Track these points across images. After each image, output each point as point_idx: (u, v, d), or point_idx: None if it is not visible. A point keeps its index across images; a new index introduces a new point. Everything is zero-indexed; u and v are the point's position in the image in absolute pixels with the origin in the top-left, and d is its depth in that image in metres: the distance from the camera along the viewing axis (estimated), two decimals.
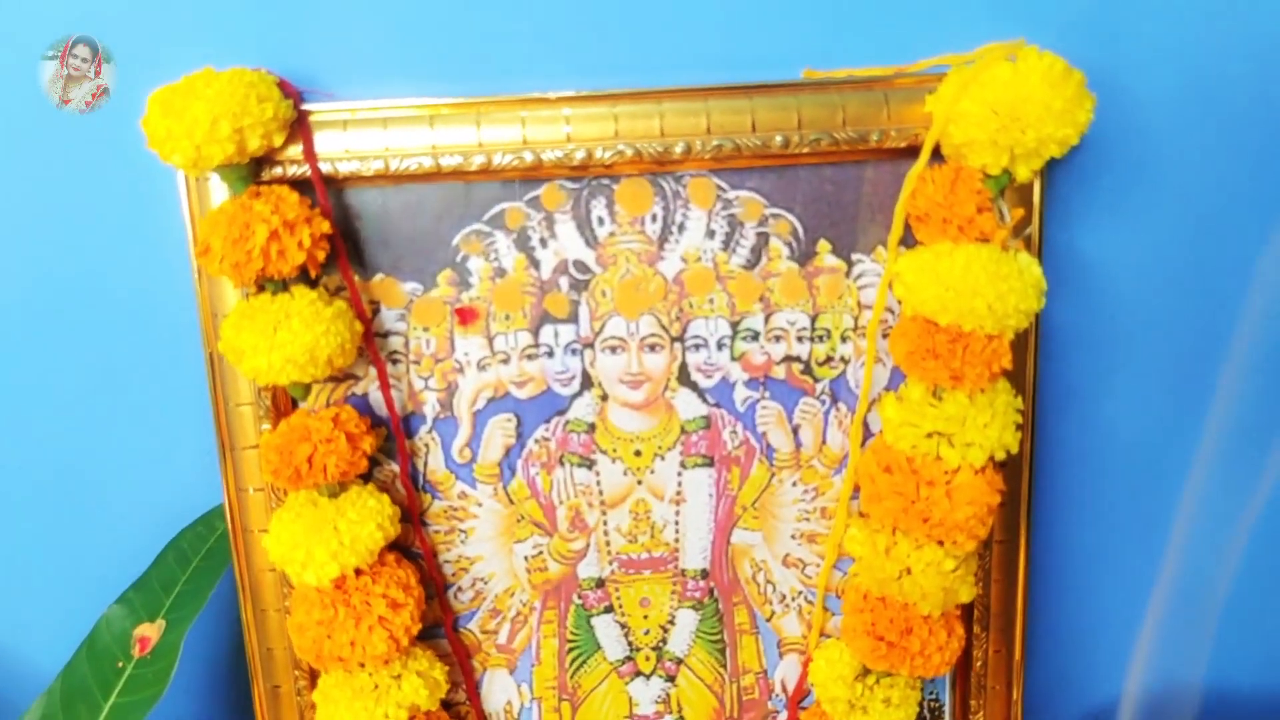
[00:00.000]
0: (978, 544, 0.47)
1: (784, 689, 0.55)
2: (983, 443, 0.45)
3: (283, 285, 0.44)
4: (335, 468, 0.45)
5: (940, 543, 0.47)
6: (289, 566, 0.46)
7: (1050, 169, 0.49)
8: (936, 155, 0.46)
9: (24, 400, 0.53)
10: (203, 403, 0.49)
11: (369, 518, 0.46)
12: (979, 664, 0.53)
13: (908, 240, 0.48)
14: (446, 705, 0.53)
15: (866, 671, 0.50)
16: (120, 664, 0.50)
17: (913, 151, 0.46)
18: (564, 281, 0.49)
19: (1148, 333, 0.55)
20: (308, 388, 0.47)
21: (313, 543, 0.45)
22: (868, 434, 0.51)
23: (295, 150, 0.44)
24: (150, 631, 0.50)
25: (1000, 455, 0.46)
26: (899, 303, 0.48)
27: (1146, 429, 0.57)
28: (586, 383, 0.50)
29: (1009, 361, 0.45)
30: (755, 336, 0.50)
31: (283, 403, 0.48)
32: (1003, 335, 0.45)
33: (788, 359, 0.50)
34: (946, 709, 0.55)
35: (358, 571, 0.46)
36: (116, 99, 0.47)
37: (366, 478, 0.49)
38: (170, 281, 0.49)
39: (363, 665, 0.47)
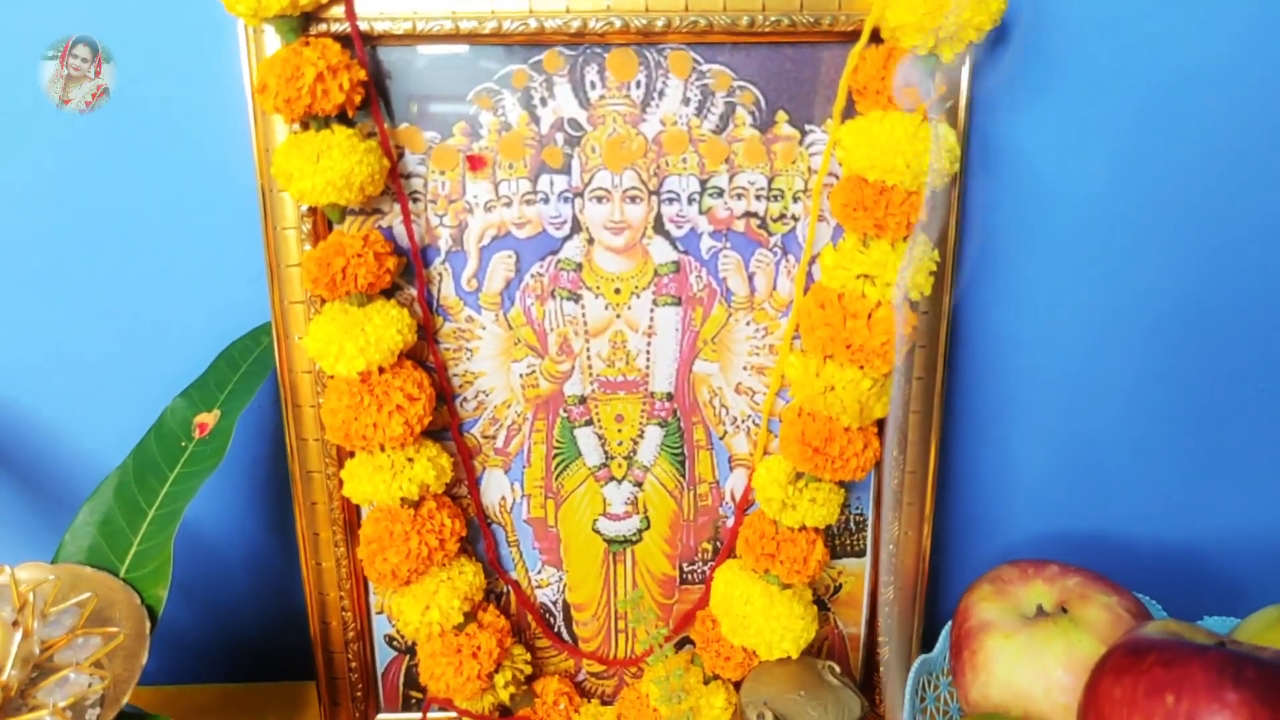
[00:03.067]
0: (891, 369, 0.57)
1: (732, 497, 0.65)
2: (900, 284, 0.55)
3: (325, 123, 0.53)
4: (364, 278, 0.54)
5: (861, 367, 0.56)
6: (324, 360, 0.55)
7: (978, 59, 0.57)
8: (877, 38, 0.54)
9: (104, 228, 0.62)
10: (253, 231, 0.59)
11: (391, 324, 0.55)
12: (895, 481, 0.63)
13: (852, 114, 0.57)
14: (452, 497, 0.63)
15: (798, 476, 0.60)
16: (183, 443, 0.60)
17: (859, 35, 0.54)
18: (560, 137, 0.57)
19: (1066, 212, 0.63)
20: (343, 212, 0.56)
21: (344, 340, 0.54)
22: (810, 282, 0.60)
23: (338, 10, 0.53)
24: (208, 419, 0.60)
25: (915, 296, 0.56)
26: (841, 167, 0.57)
27: (1063, 296, 0.65)
28: (576, 227, 0.59)
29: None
30: (720, 193, 0.59)
31: (321, 228, 0.57)
32: (920, 192, 0.53)
33: (747, 215, 0.59)
34: (869, 521, 0.66)
35: (380, 369, 0.56)
36: None
37: (389, 297, 0.59)
38: (228, 123, 0.58)
39: (382, 448, 0.58)
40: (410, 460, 0.58)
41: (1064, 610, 0.60)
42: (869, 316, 0.55)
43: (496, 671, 0.63)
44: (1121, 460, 0.71)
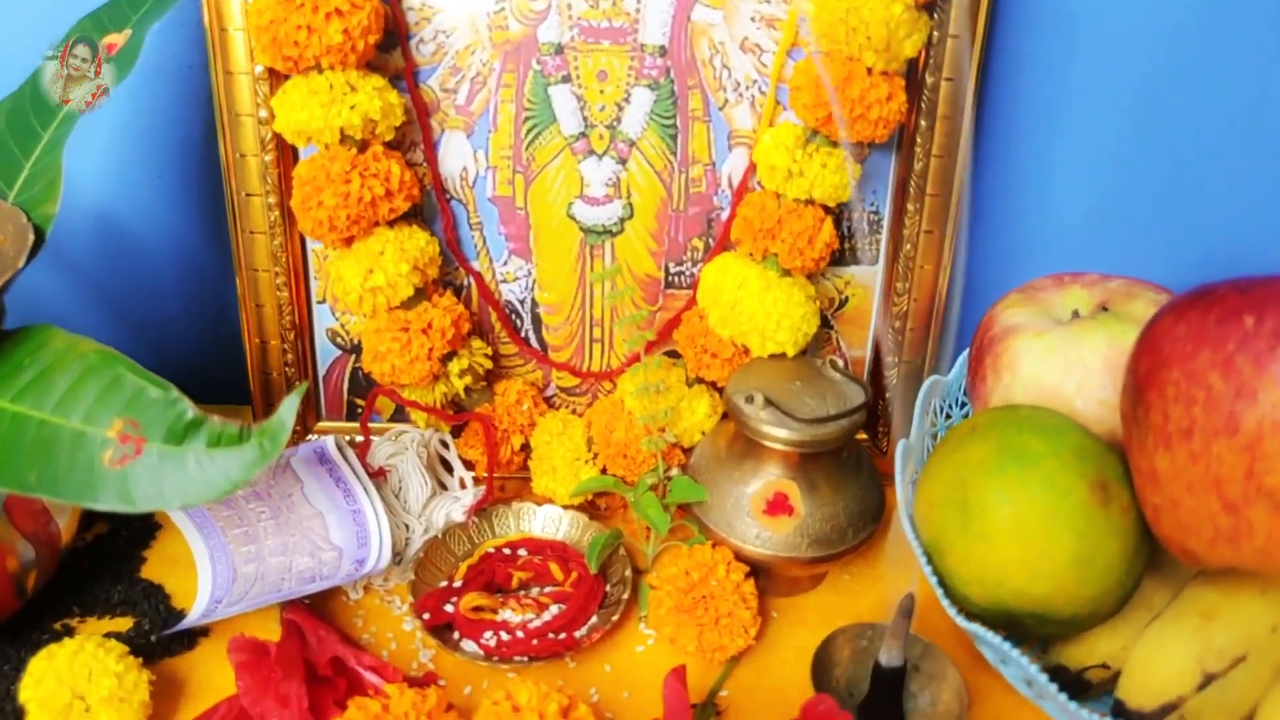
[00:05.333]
0: None
1: (730, 184, 0.56)
2: None
3: None
4: None
5: None
6: None
7: None
8: None
9: None
10: None
11: None
12: (920, 164, 0.54)
13: None
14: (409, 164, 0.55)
15: (808, 141, 0.52)
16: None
17: None
18: None
19: None
20: None
21: None
22: None
23: None
24: (117, 39, 0.51)
25: None
26: None
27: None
28: None
29: None
30: None
31: None
32: None
33: None
34: (885, 219, 0.57)
35: None
36: None
37: None
38: None
39: (319, 67, 0.49)
40: (352, 87, 0.49)
41: (1104, 309, 0.52)
42: None
43: (451, 358, 0.55)
44: (1168, 202, 0.62)
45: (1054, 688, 0.38)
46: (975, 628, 0.42)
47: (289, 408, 0.37)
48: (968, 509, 0.43)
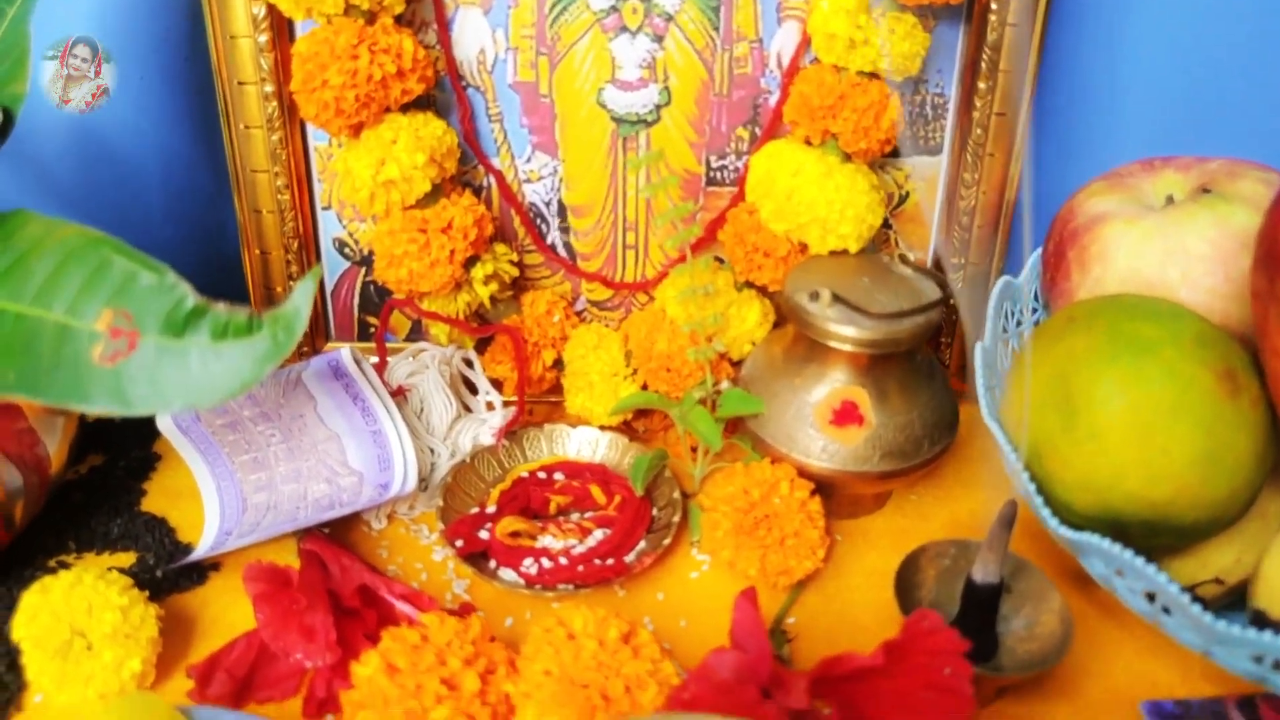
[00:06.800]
0: None
1: (779, 63, 0.51)
2: None
3: None
4: None
5: None
6: None
7: None
8: None
9: None
10: None
11: None
12: (994, 35, 0.49)
13: None
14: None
15: (872, 5, 0.46)
16: None
17: None
18: None
19: None
20: None
21: None
22: None
23: None
24: None
25: None
26: None
27: None
28: None
29: None
30: None
31: None
32: None
33: None
34: (952, 103, 0.52)
35: None
36: None
37: None
38: None
39: None
40: None
41: (1205, 192, 0.47)
42: None
43: (474, 263, 0.50)
44: (1262, 81, 0.56)
45: (1186, 598, 0.34)
46: (1086, 537, 0.37)
47: (304, 293, 0.32)
48: (1072, 406, 0.39)
